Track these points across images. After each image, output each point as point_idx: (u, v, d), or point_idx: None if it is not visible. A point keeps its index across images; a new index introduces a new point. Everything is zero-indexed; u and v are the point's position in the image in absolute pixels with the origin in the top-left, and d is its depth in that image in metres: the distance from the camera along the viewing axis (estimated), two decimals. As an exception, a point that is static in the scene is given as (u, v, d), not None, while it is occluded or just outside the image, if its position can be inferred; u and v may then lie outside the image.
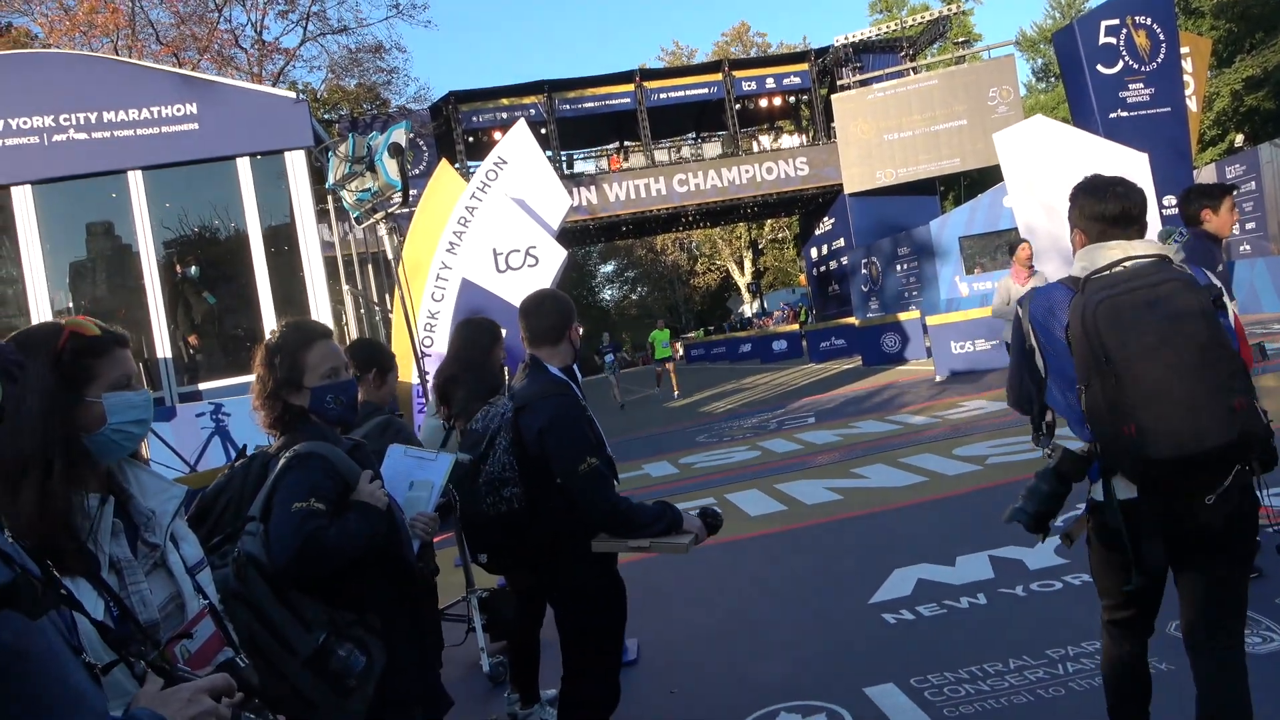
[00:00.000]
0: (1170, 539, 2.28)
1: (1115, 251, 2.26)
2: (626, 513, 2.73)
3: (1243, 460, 2.17)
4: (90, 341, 1.67)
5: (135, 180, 8.55)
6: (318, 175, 8.64)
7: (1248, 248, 17.71)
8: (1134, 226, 2.32)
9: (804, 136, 30.95)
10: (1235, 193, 4.47)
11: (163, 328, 8.57)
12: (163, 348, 8.54)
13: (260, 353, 2.31)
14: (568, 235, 25.58)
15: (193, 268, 8.81)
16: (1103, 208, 2.32)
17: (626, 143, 31.77)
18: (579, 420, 2.79)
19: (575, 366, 2.98)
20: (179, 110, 8.52)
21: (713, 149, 30.14)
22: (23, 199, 8.36)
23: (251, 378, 2.35)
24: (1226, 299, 2.34)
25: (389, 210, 5.65)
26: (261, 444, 2.42)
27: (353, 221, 7.01)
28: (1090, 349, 2.18)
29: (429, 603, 3.47)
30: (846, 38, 28.79)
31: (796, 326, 30.93)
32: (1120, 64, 14.03)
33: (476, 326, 4.29)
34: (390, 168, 5.34)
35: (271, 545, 1.99)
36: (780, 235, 49.38)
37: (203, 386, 8.55)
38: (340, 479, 2.12)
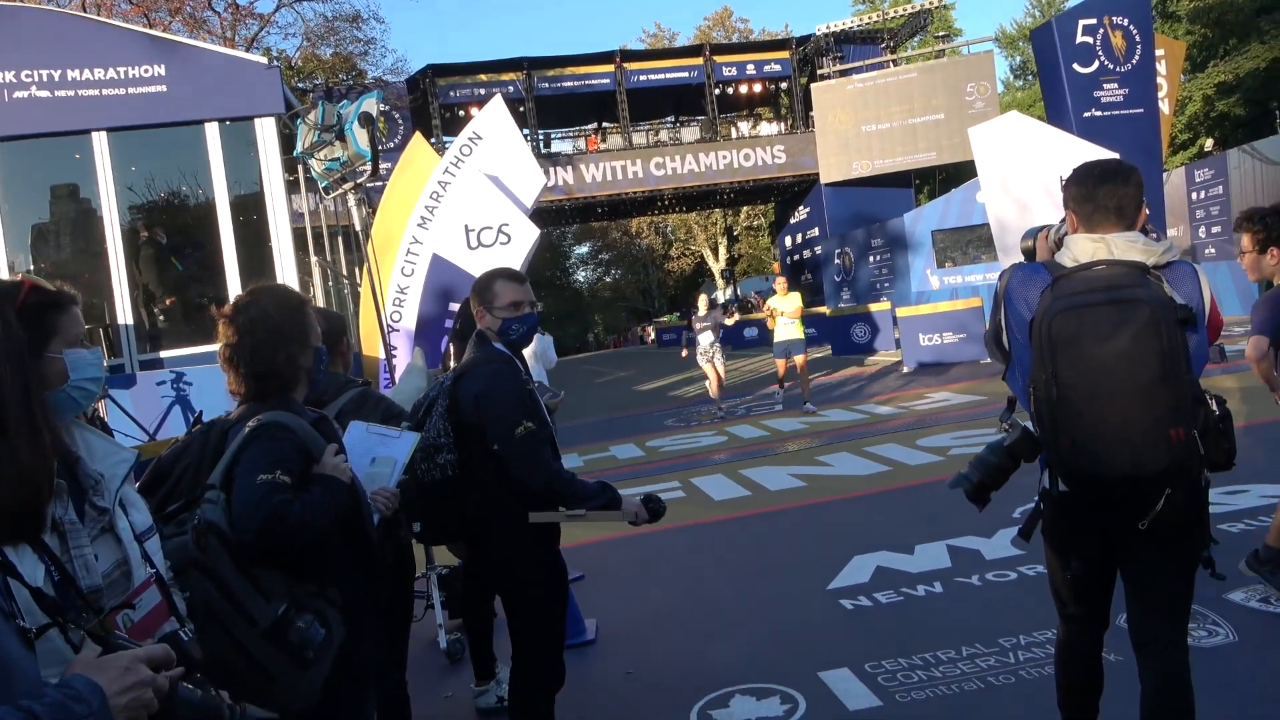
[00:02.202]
0: (1113, 535, 2.30)
1: (1096, 247, 2.21)
2: (568, 483, 2.71)
3: (1174, 486, 2.16)
4: (52, 296, 1.64)
5: (100, 141, 8.34)
6: (288, 144, 8.48)
7: (1213, 251, 17.97)
8: (1121, 215, 2.24)
9: (782, 124, 30.94)
10: (1203, 195, 4.51)
11: (125, 293, 8.39)
12: (124, 313, 8.36)
13: (251, 312, 2.15)
14: (542, 215, 25.40)
15: (161, 234, 8.64)
16: (1090, 190, 2.26)
17: (604, 124, 31.58)
18: (516, 386, 2.76)
19: (525, 352, 2.96)
20: (146, 71, 8.31)
21: (691, 133, 30.04)
22: (-18, 157, 8.15)
23: (215, 346, 2.22)
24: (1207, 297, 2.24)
25: (358, 181, 5.57)
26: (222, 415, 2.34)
27: (322, 193, 6.90)
28: (1042, 357, 2.18)
29: (404, 576, 3.38)
30: (828, 27, 28.79)
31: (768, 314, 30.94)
32: (1096, 63, 14.14)
33: None
34: (360, 137, 5.25)
35: (235, 518, 1.95)
36: (756, 223, 49.43)
37: (164, 355, 8.39)
38: (305, 451, 2.08)
